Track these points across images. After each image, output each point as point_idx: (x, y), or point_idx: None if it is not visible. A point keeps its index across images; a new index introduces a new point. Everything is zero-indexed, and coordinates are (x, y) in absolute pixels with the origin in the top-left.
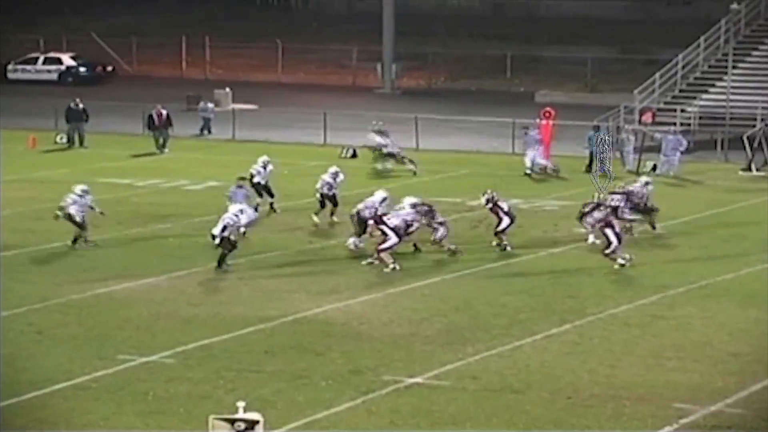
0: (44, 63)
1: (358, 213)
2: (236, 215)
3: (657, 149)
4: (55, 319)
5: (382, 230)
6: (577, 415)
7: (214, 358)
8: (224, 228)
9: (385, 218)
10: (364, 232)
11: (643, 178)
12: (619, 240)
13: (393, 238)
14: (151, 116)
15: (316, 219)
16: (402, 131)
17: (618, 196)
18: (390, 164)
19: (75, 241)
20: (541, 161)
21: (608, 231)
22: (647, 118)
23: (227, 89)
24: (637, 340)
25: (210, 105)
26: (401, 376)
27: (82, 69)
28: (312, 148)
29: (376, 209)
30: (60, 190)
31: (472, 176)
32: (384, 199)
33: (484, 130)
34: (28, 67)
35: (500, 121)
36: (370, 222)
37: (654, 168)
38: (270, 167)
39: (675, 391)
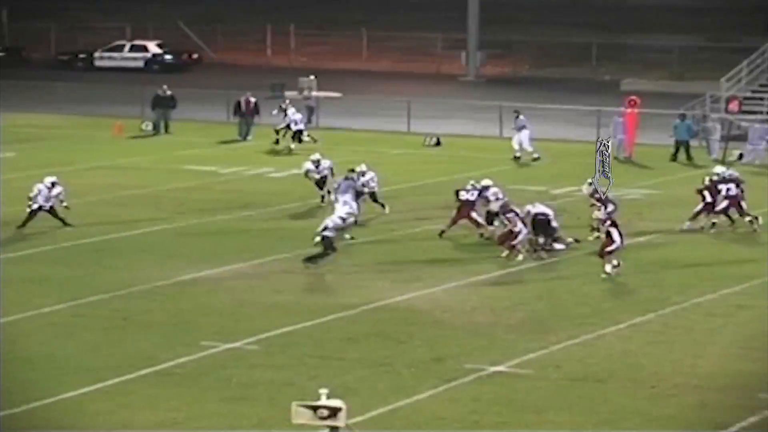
0: (130, 51)
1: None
2: (342, 218)
3: (743, 138)
4: (140, 305)
5: (510, 220)
6: (660, 404)
7: (296, 345)
8: (325, 228)
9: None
10: (491, 223)
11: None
12: (622, 241)
13: (523, 229)
14: (238, 103)
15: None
16: (486, 119)
17: (732, 185)
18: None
19: (65, 224)
20: (527, 147)
21: (613, 230)
22: (734, 106)
23: (312, 77)
24: (720, 329)
25: (313, 93)
26: (483, 364)
27: (167, 57)
28: (396, 136)
29: (505, 200)
30: (144, 177)
31: (557, 165)
32: (486, 188)
33: (569, 118)
34: (115, 54)
35: (585, 110)
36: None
37: (740, 157)
38: (325, 163)
39: (760, 381)
